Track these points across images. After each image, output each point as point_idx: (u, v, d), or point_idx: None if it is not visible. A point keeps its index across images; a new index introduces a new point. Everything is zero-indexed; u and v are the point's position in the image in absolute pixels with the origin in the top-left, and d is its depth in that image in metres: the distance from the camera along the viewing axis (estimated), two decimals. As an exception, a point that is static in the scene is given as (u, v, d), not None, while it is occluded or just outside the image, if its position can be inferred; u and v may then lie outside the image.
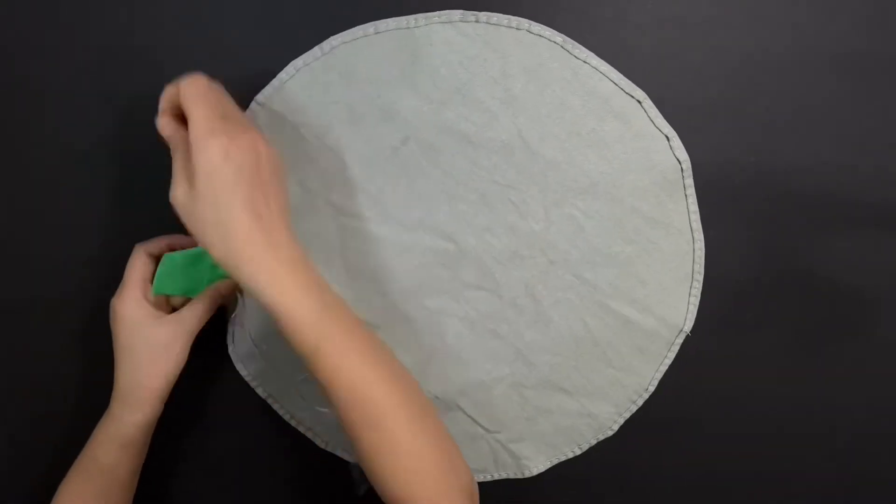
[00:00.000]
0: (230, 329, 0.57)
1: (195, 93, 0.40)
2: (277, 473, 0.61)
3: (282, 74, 0.51)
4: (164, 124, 0.42)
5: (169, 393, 0.51)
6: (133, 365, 0.49)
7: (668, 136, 0.51)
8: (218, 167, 0.38)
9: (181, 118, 0.41)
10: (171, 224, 0.54)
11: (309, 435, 0.59)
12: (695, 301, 0.55)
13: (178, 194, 0.40)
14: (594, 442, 0.59)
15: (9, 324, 0.57)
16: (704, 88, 0.51)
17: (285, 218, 0.41)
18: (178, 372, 0.50)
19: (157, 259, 0.51)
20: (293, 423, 0.59)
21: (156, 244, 0.52)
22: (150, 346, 0.49)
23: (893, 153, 0.51)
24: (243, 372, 0.58)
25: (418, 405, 0.43)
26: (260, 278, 0.39)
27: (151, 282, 0.51)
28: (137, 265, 0.50)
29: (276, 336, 0.56)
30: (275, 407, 0.59)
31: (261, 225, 0.39)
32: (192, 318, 0.50)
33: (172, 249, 0.52)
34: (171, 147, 0.42)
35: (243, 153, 0.39)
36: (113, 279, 0.51)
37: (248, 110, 0.51)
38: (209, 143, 0.38)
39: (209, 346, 0.57)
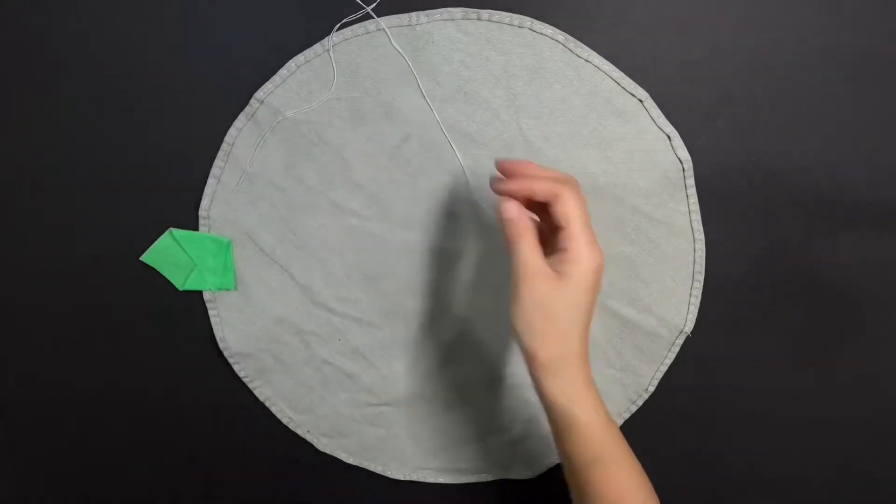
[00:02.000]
0: (218, 331, 0.56)
1: (578, 197, 0.41)
2: (277, 476, 0.60)
3: (283, 71, 0.50)
4: (512, 209, 0.42)
5: None
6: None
7: (670, 135, 0.51)
8: (591, 280, 0.41)
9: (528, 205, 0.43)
10: (171, 223, 0.54)
11: (308, 438, 0.59)
12: (695, 301, 0.55)
13: (539, 269, 0.41)
14: (594, 443, 0.58)
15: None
16: (706, 88, 0.51)
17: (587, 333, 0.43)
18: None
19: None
20: (292, 426, 0.59)
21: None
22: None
23: (893, 153, 0.52)
24: (242, 373, 0.57)
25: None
26: (568, 391, 0.42)
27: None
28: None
29: (264, 335, 0.56)
30: (273, 410, 0.58)
31: (583, 342, 0.42)
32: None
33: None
34: (508, 231, 0.42)
35: (600, 267, 0.41)
36: (111, 279, 0.50)
37: (248, 106, 0.51)
38: (594, 254, 0.40)
39: (209, 345, 0.57)
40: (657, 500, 0.47)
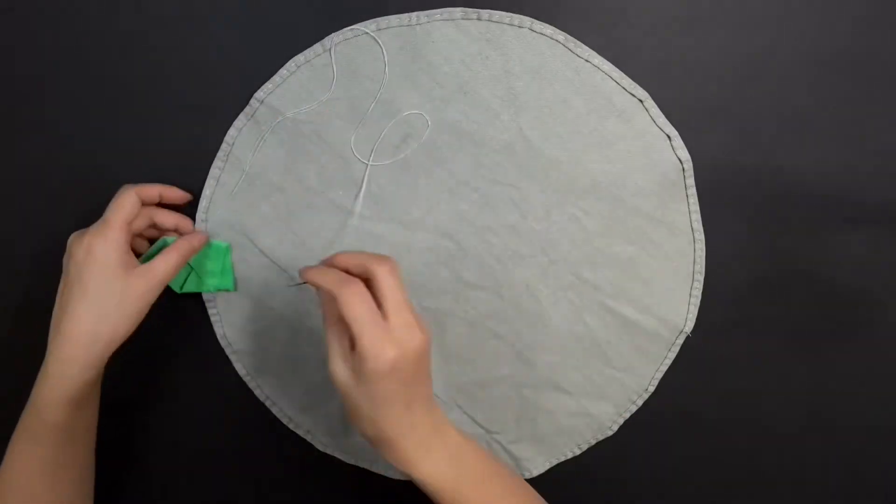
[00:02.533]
0: (218, 330, 0.56)
1: (392, 285, 0.41)
2: (276, 476, 0.60)
3: (283, 71, 0.50)
4: (324, 284, 0.42)
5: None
6: (97, 315, 0.44)
7: (670, 135, 0.51)
8: (385, 376, 0.40)
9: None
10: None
11: (308, 438, 0.59)
12: (695, 301, 0.55)
13: (338, 373, 0.41)
14: (594, 442, 0.59)
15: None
16: (706, 88, 0.51)
17: (429, 396, 0.44)
18: (135, 328, 0.47)
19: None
20: (291, 426, 0.59)
21: (148, 190, 0.49)
22: (122, 295, 0.45)
23: (893, 153, 0.52)
24: (242, 371, 0.57)
25: None
26: (401, 458, 0.43)
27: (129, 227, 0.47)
28: (127, 206, 0.46)
29: (264, 335, 0.56)
30: (273, 410, 0.58)
31: (409, 414, 0.42)
32: (166, 270, 0.46)
33: (163, 200, 0.50)
34: (323, 304, 0.43)
35: (409, 359, 0.40)
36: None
37: (248, 106, 0.51)
38: (384, 354, 0.39)
39: (209, 345, 0.57)
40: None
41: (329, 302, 0.42)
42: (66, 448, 0.47)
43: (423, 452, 0.43)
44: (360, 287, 0.40)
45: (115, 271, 0.45)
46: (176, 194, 0.51)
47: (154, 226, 0.51)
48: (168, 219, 0.51)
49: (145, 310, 0.46)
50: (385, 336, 0.40)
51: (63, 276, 0.47)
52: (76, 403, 0.46)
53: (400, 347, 0.40)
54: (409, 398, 0.42)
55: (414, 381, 0.42)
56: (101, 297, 0.45)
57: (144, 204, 0.48)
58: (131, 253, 0.47)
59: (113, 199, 0.47)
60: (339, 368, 0.41)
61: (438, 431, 0.44)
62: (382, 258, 0.42)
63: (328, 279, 0.41)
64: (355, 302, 0.40)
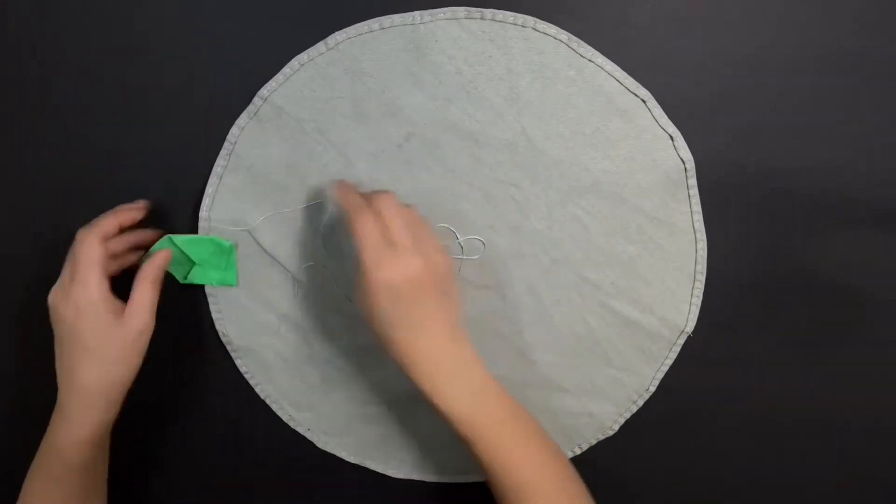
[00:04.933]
0: (220, 327, 0.56)
1: (363, 225, 0.44)
2: (277, 474, 0.60)
3: (286, 69, 0.50)
4: (345, 200, 0.47)
5: None
6: (102, 365, 0.46)
7: (672, 135, 0.51)
8: (381, 293, 0.43)
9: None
10: (169, 223, 0.54)
11: (308, 436, 0.59)
12: (697, 301, 0.55)
13: (357, 298, 0.45)
14: (594, 442, 0.59)
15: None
16: (708, 88, 0.51)
17: (452, 325, 0.46)
18: (142, 361, 0.48)
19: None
20: (292, 424, 0.59)
21: (104, 226, 0.47)
22: (122, 341, 0.46)
23: (893, 153, 0.52)
24: (243, 369, 0.57)
25: (566, 488, 0.47)
26: (423, 385, 0.45)
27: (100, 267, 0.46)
28: (94, 254, 0.46)
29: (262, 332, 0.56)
30: (273, 408, 0.58)
31: (427, 340, 0.44)
32: (151, 301, 0.47)
33: (122, 229, 0.49)
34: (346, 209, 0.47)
35: (398, 281, 0.43)
36: (113, 277, 0.50)
37: (251, 104, 0.51)
38: (379, 272, 0.43)
39: (210, 344, 0.57)
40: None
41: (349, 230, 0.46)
42: (88, 483, 0.49)
43: (444, 381, 0.44)
44: (370, 214, 0.44)
45: (107, 321, 0.45)
46: (130, 215, 0.50)
47: (122, 253, 0.50)
48: (126, 243, 0.50)
49: (147, 342, 0.48)
50: (381, 257, 0.43)
51: (56, 336, 0.47)
52: (97, 442, 0.48)
53: (396, 269, 0.43)
54: (418, 321, 0.44)
55: (418, 304, 0.44)
56: (103, 348, 0.46)
57: (106, 239, 0.48)
58: (114, 297, 0.47)
59: (76, 249, 0.46)
60: (358, 294, 0.45)
61: (463, 364, 0.45)
62: (383, 193, 0.46)
63: (349, 201, 0.46)
64: (361, 225, 0.44)
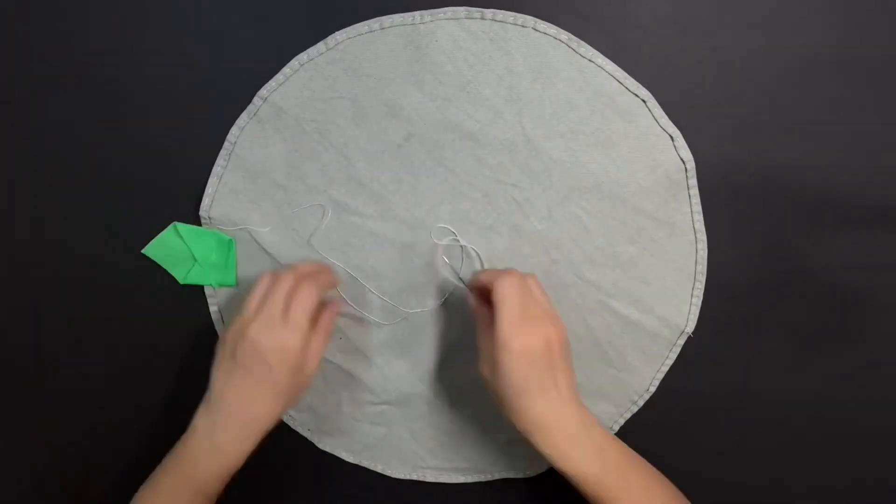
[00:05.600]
0: (219, 326, 0.56)
1: (507, 289, 0.45)
2: (277, 475, 0.60)
3: (286, 69, 0.50)
4: (472, 300, 0.51)
5: None
6: (281, 405, 0.47)
7: (673, 135, 0.51)
8: (517, 360, 0.45)
9: (484, 295, 0.48)
10: (169, 223, 0.54)
11: (309, 436, 0.59)
12: (697, 302, 0.55)
13: (484, 372, 0.47)
14: (595, 442, 0.59)
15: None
16: (708, 88, 0.51)
17: (573, 391, 0.47)
18: None
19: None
20: (292, 424, 0.59)
21: (321, 282, 0.49)
22: (300, 385, 0.47)
23: (893, 153, 0.52)
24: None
25: None
26: (552, 452, 0.46)
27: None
28: (312, 302, 0.46)
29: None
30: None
31: (550, 407, 0.46)
32: (323, 350, 0.49)
33: (330, 284, 0.52)
34: (476, 318, 0.50)
35: (536, 347, 0.45)
36: (113, 277, 0.50)
37: (251, 104, 0.51)
38: (512, 342, 0.44)
39: (210, 343, 0.56)
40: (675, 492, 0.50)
41: (480, 309, 0.49)
42: None
43: (571, 446, 0.46)
44: (515, 278, 0.46)
45: (298, 366, 0.46)
46: (332, 280, 0.52)
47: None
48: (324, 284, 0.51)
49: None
50: (521, 324, 0.45)
51: (239, 366, 0.46)
52: (231, 473, 0.48)
53: (535, 336, 0.45)
54: (542, 388, 0.45)
55: (550, 370, 0.45)
56: (290, 391, 0.47)
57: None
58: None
59: (297, 293, 0.46)
60: (485, 368, 0.47)
61: (585, 426, 0.47)
62: (505, 271, 0.47)
63: (487, 274, 0.48)
64: (506, 290, 0.45)
